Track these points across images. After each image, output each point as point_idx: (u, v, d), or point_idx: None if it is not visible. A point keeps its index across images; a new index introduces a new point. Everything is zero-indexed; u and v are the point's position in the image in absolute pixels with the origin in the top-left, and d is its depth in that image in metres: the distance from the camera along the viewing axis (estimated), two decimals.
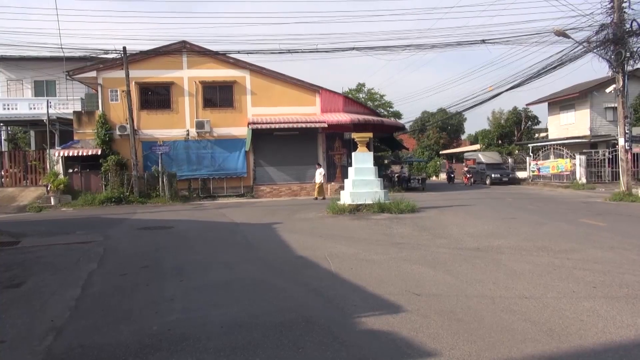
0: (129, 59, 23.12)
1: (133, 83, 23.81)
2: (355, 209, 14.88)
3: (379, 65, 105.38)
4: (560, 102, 33.71)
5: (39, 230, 13.10)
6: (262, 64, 25.91)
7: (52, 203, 21.21)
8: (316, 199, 21.94)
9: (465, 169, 34.73)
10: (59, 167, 23.28)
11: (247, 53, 23.67)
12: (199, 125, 24.66)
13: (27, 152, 25.73)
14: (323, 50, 23.44)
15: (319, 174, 22.54)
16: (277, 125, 24.35)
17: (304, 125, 24.46)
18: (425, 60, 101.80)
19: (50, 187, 21.92)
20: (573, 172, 28.10)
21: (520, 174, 33.74)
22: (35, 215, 18.54)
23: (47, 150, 24.03)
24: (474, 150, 44.20)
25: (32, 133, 30.56)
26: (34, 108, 27.17)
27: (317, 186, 22.38)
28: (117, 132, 23.99)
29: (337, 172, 24.89)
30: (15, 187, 23.64)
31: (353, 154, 16.82)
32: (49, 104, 25.23)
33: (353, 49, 22.81)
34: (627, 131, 18.63)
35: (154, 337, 4.49)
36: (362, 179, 15.89)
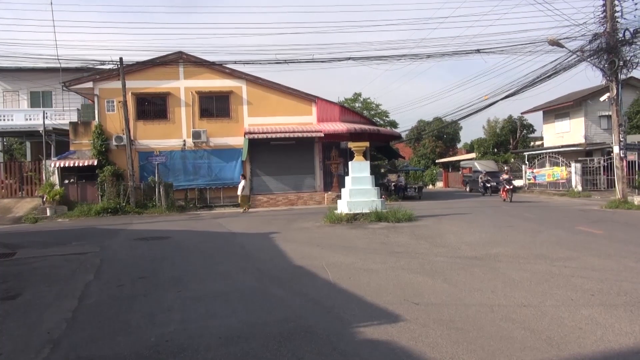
0: (125, 70, 23.17)
1: (129, 93, 23.84)
2: (353, 218, 14.87)
3: (375, 75, 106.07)
4: (555, 111, 33.93)
5: (35, 241, 13.03)
6: (259, 74, 25.93)
7: (48, 214, 21.11)
8: (243, 211, 21.35)
9: (505, 176, 23.78)
10: (55, 178, 23.21)
11: (244, 63, 23.75)
12: (196, 135, 24.68)
13: (23, 163, 25.66)
14: (319, 60, 23.59)
15: (241, 186, 21.90)
16: (273, 135, 24.39)
17: (300, 134, 24.52)
18: (421, 69, 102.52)
19: (46, 198, 21.84)
20: (569, 180, 28.20)
21: (516, 182, 33.80)
22: (31, 226, 18.44)
23: (43, 161, 23.97)
24: (470, 159, 44.35)
25: (28, 144, 30.51)
26: (30, 119, 27.20)
27: (240, 198, 21.77)
28: (114, 143, 23.96)
29: (334, 181, 24.90)
30: (11, 198, 23.54)
31: (350, 163, 16.84)
32: (45, 115, 25.21)
33: (349, 59, 22.93)
34: (621, 139, 18.74)
35: (151, 349, 4.46)
36: (359, 188, 15.90)
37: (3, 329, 5.27)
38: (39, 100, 29.71)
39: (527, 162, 34.49)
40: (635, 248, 9.00)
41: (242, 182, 21.64)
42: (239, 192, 21.81)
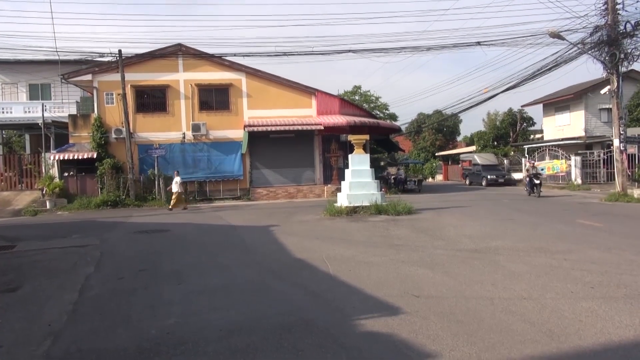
0: (124, 62, 23.06)
1: (129, 86, 23.75)
2: (353, 211, 14.88)
3: (375, 67, 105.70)
4: (555, 104, 33.85)
5: (34, 234, 13.04)
6: (258, 66, 25.81)
7: (48, 207, 21.11)
8: (170, 209, 19.48)
9: None
10: (55, 171, 23.18)
11: (243, 56, 23.66)
12: (195, 128, 24.63)
13: (22, 156, 25.61)
14: (319, 52, 23.51)
15: (175, 183, 20.08)
16: (273, 128, 24.35)
17: (300, 127, 24.47)
18: (421, 62, 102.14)
19: (46, 190, 21.82)
20: (568, 173, 28.20)
21: (516, 175, 33.83)
22: (30, 219, 18.44)
23: (43, 154, 23.92)
24: (470, 152, 44.30)
25: (27, 137, 30.43)
26: (29, 112, 27.10)
27: (174, 196, 20.02)
28: (113, 135, 23.90)
29: (334, 174, 24.89)
30: (11, 191, 23.51)
31: (349, 156, 16.84)
32: (44, 108, 25.13)
33: (349, 51, 22.83)
34: (621, 132, 18.71)
35: (152, 341, 4.47)
36: (358, 181, 15.90)
37: (4, 321, 5.27)
38: (37, 92, 29.58)
39: (527, 155, 34.46)
40: (635, 241, 9.01)
41: (176, 179, 20.20)
42: (173, 189, 20.10)
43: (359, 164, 16.30)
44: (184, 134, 24.94)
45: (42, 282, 7.10)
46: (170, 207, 19.84)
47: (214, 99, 25.63)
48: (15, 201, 22.19)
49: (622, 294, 5.54)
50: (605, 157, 26.86)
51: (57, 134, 26.23)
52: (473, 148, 47.20)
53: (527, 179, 21.60)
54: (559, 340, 4.18)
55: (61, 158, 23.13)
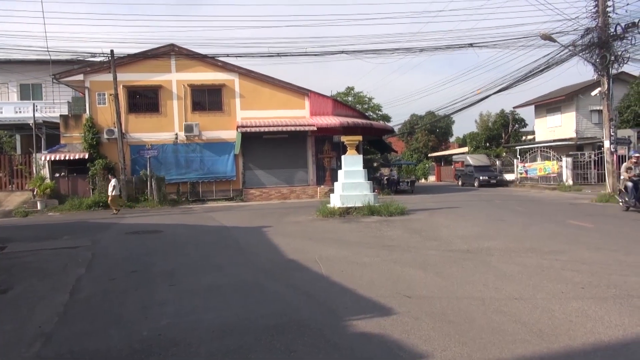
0: (116, 62, 22.95)
1: (121, 86, 23.64)
2: (345, 212, 14.90)
3: (368, 68, 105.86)
4: (547, 105, 34.10)
5: (25, 235, 12.94)
6: (252, 67, 25.82)
7: (39, 208, 20.95)
8: (115, 213, 18.89)
9: None
10: (46, 172, 23.02)
11: (236, 56, 23.72)
12: (188, 128, 24.56)
13: (13, 156, 25.39)
14: (312, 53, 23.47)
15: (111, 186, 19.48)
16: (266, 129, 24.34)
17: (293, 128, 24.48)
18: (414, 63, 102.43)
19: (37, 191, 21.67)
20: (560, 174, 28.40)
21: (508, 176, 34.05)
22: (21, 220, 18.29)
23: (34, 155, 23.74)
24: (463, 153, 44.50)
25: (17, 137, 30.20)
26: (20, 112, 26.92)
27: (109, 199, 19.55)
28: (105, 136, 23.77)
29: (327, 175, 24.93)
30: (1, 192, 23.30)
31: (342, 157, 16.86)
32: (35, 108, 24.94)
33: (342, 52, 22.85)
34: (612, 133, 18.87)
35: (144, 343, 4.45)
36: (351, 182, 15.93)
37: None
38: (29, 92, 29.37)
39: (518, 156, 34.67)
40: (624, 241, 9.09)
41: (113, 182, 19.59)
42: (109, 193, 19.58)
43: (351, 165, 16.33)
44: (176, 134, 24.86)
45: (32, 284, 7.04)
46: (114, 211, 19.11)
47: (207, 99, 25.58)
48: (6, 202, 22.00)
49: (611, 294, 5.59)
50: (596, 159, 27.08)
51: (49, 134, 26.05)
52: (465, 149, 47.42)
53: (630, 183, 13.62)
54: (549, 340, 4.21)
55: (52, 159, 22.97)
